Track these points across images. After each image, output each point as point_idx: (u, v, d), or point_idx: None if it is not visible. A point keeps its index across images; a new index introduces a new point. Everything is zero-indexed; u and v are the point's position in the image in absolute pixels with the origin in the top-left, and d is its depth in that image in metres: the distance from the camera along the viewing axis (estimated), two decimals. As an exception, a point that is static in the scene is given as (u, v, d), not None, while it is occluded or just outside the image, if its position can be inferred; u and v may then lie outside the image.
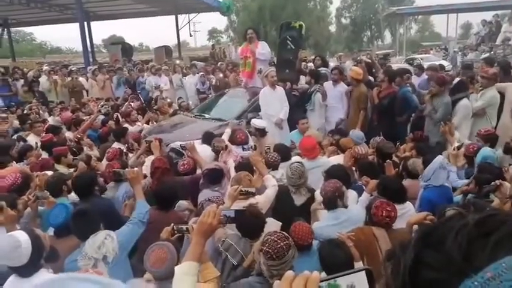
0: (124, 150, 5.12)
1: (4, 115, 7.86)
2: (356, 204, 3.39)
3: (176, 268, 1.64)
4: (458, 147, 4.30)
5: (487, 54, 11.68)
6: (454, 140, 4.64)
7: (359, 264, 2.51)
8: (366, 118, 6.40)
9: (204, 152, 4.69)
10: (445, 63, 14.76)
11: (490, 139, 4.35)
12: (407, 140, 5.21)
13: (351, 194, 3.48)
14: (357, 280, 0.72)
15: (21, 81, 11.14)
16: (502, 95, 5.50)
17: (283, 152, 4.41)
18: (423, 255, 0.49)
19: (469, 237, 0.47)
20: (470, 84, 6.14)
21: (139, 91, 10.21)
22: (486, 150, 4.05)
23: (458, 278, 0.44)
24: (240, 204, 2.98)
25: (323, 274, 2.61)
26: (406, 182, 3.73)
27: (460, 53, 16.08)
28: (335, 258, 2.43)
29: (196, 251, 1.67)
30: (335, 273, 0.85)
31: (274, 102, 6.27)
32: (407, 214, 3.11)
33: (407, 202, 3.29)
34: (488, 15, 15.51)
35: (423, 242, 0.51)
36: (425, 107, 5.69)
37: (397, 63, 13.83)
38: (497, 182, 2.99)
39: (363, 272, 0.71)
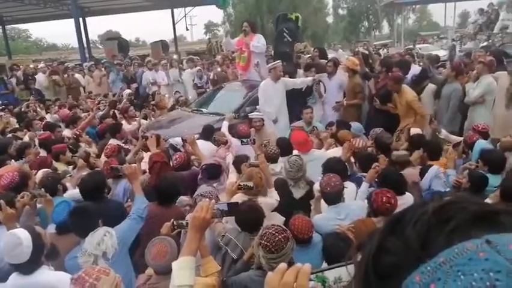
0: (124, 146, 5.11)
1: (1, 113, 7.86)
2: (356, 197, 3.39)
3: (173, 264, 1.65)
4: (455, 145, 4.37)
5: (485, 43, 11.61)
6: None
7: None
8: (360, 105, 6.41)
9: (201, 147, 4.68)
10: (444, 52, 14.67)
11: (484, 134, 4.44)
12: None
13: (350, 186, 3.48)
14: (345, 273, 0.73)
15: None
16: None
17: (285, 146, 4.36)
18: (386, 241, 0.51)
19: (427, 225, 0.49)
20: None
21: (136, 86, 10.19)
22: (482, 143, 4.09)
23: (415, 264, 0.46)
24: (241, 199, 2.97)
25: (324, 265, 2.63)
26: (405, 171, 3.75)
27: (458, 42, 15.98)
28: (338, 250, 2.44)
29: (192, 246, 1.67)
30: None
31: (275, 96, 6.19)
32: (407, 205, 3.12)
33: (407, 193, 3.30)
34: (486, 4, 15.38)
35: (389, 229, 0.52)
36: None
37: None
38: None
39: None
